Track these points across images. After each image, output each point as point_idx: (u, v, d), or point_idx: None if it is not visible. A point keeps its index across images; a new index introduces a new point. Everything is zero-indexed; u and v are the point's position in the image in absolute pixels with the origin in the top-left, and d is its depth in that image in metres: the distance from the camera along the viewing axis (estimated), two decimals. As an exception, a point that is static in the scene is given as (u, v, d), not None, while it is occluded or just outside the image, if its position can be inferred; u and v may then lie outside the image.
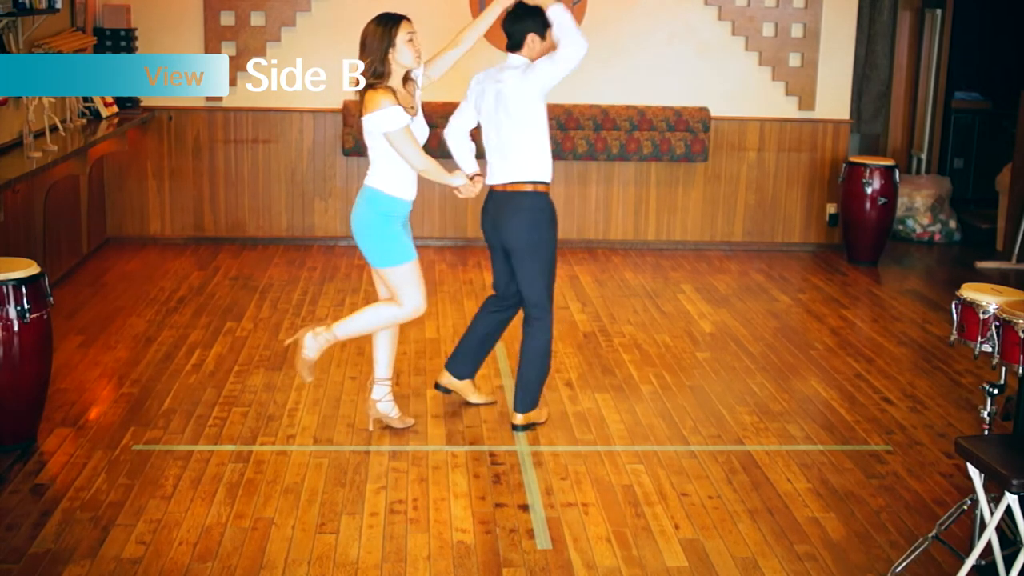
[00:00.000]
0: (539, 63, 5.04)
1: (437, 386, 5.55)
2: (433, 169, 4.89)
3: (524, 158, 5.10)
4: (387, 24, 4.79)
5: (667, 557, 4.16)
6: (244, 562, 4.04)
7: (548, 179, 5.16)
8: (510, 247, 5.19)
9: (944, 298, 7.57)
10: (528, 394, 5.28)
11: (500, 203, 5.18)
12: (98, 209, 8.50)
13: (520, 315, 5.39)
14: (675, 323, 7.06)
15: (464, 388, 5.54)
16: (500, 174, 5.16)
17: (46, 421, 5.15)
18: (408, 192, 4.96)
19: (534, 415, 5.33)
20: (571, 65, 5.00)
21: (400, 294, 5.00)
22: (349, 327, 5.11)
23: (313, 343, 5.07)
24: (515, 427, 5.27)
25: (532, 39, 5.09)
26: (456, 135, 5.31)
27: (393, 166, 4.89)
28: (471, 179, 5.07)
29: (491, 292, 5.49)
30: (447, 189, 5.18)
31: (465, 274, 7.85)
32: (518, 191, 5.12)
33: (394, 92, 4.79)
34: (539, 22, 5.07)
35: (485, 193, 5.27)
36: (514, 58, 5.15)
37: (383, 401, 5.23)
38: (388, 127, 4.76)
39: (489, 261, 5.50)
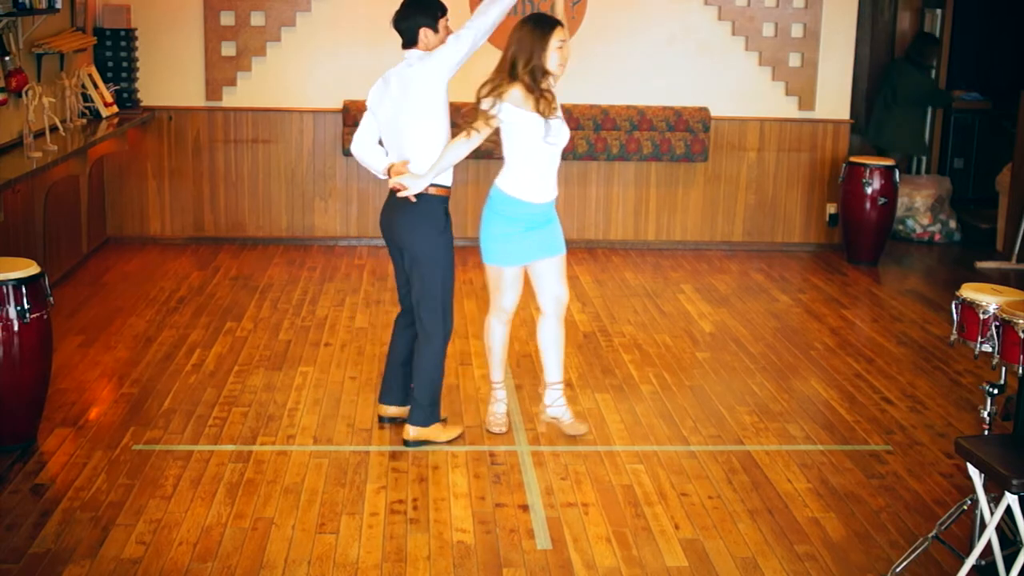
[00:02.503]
0: (442, 47, 4.89)
1: (381, 419, 5.27)
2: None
3: (425, 161, 4.87)
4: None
5: (667, 557, 4.16)
6: (244, 562, 4.04)
7: (448, 183, 4.95)
8: (408, 253, 5.01)
9: (944, 298, 7.57)
10: (420, 409, 5.03)
11: (397, 207, 4.97)
12: (98, 209, 8.50)
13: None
14: (675, 323, 7.06)
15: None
16: None
17: (46, 421, 5.15)
18: (528, 194, 4.94)
19: (431, 432, 5.07)
20: (475, 36, 4.86)
21: (490, 292, 5.17)
22: (493, 366, 5.27)
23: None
24: (406, 442, 5.04)
25: (425, 33, 4.96)
26: (362, 147, 5.12)
27: (515, 166, 4.94)
28: (388, 171, 4.98)
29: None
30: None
31: (465, 274, 7.84)
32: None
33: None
34: (429, 15, 4.98)
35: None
36: (411, 54, 5.01)
37: (554, 406, 5.23)
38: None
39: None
